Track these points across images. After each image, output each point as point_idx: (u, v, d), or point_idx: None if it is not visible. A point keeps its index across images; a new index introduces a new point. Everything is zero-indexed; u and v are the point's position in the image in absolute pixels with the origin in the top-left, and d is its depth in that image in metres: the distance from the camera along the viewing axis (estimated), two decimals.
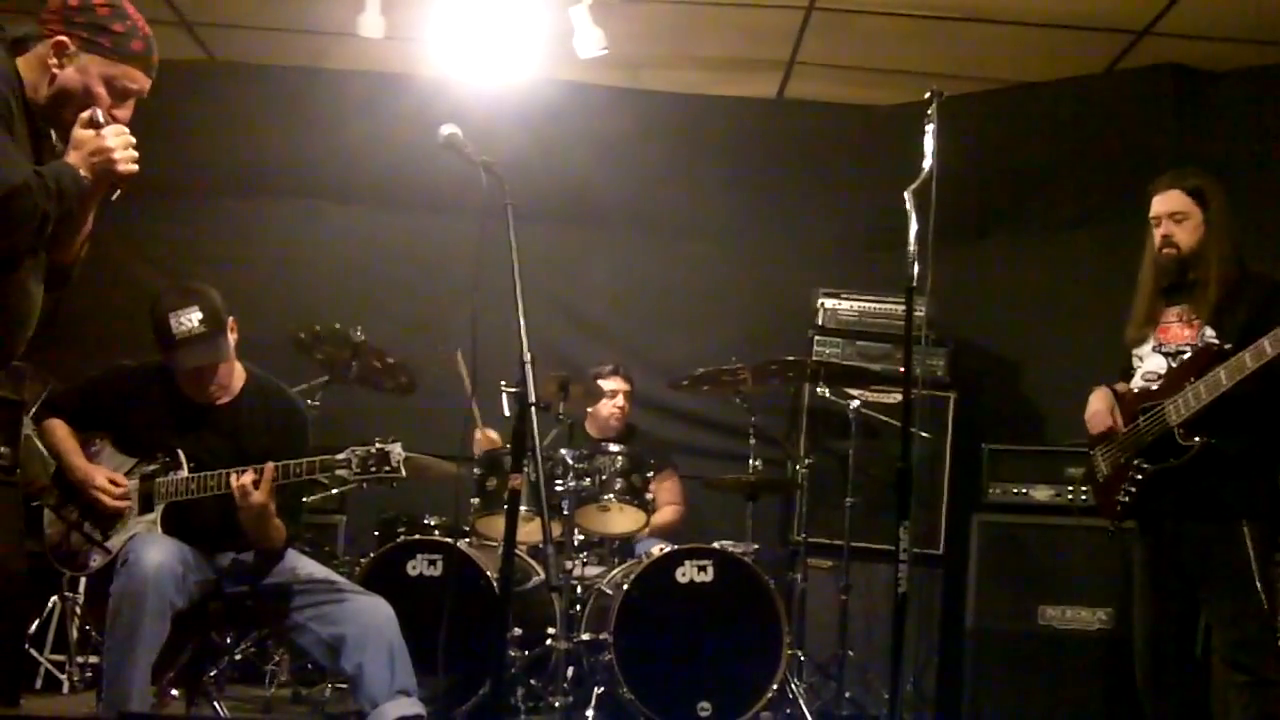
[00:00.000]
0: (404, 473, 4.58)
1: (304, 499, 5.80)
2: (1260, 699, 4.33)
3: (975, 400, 7.31)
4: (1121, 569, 6.10)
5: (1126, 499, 4.64)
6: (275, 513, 4.57)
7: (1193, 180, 4.67)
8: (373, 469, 4.54)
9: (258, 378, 4.85)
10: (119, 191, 3.46)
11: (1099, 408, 4.80)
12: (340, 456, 4.54)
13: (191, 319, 4.55)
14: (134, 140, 3.41)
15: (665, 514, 6.87)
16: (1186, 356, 4.54)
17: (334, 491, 6.62)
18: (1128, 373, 4.86)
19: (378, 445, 4.55)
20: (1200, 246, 4.59)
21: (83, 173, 3.33)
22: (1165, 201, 4.68)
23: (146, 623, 4.22)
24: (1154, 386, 4.61)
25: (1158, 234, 4.69)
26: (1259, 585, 4.33)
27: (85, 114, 3.37)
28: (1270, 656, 4.37)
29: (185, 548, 4.47)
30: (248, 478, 4.46)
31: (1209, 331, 4.50)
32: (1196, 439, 4.40)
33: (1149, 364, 4.68)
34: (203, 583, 4.52)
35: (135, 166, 3.41)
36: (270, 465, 4.49)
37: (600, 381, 6.94)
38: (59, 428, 4.69)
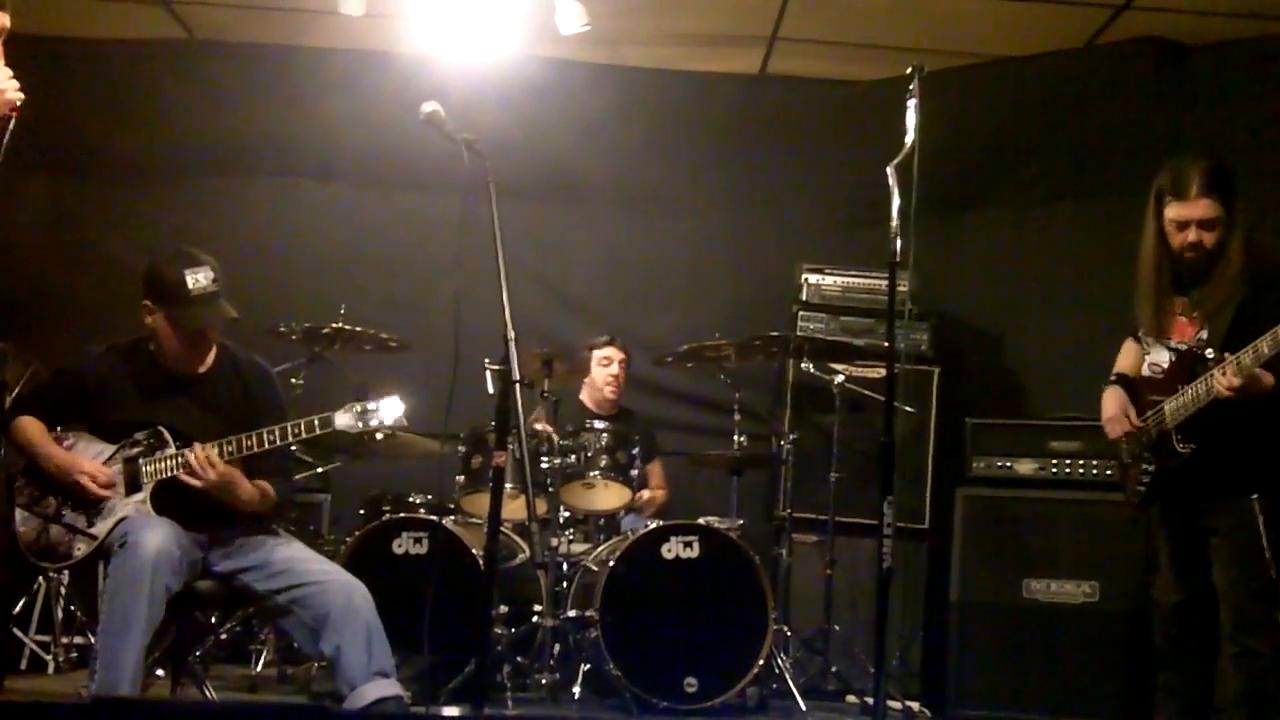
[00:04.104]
0: (405, 423, 4.66)
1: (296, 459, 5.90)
2: (1247, 670, 4.33)
3: (959, 374, 7.31)
4: (1109, 541, 6.16)
5: (1142, 489, 4.64)
6: (244, 479, 4.64)
7: (1221, 184, 4.49)
8: (373, 422, 4.59)
9: (226, 346, 4.88)
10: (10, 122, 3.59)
11: (1113, 413, 4.74)
12: (339, 413, 4.58)
13: (207, 276, 4.62)
14: (10, 72, 3.56)
15: (647, 495, 6.91)
16: (1177, 358, 4.52)
17: (319, 470, 6.62)
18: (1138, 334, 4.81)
19: (373, 399, 4.64)
20: (1222, 245, 4.48)
21: None
22: (1195, 209, 4.48)
23: (144, 606, 4.21)
24: (1159, 379, 4.60)
25: (1181, 237, 4.52)
26: (1268, 558, 4.30)
27: None
28: (1266, 631, 4.34)
29: (178, 529, 4.47)
30: (198, 455, 4.51)
31: (1204, 334, 4.48)
32: (1190, 446, 4.42)
33: (1155, 354, 4.64)
34: (192, 563, 4.51)
35: (20, 95, 3.55)
36: (279, 428, 4.58)
37: (595, 351, 6.99)
38: (31, 425, 4.63)
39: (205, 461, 4.51)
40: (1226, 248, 4.47)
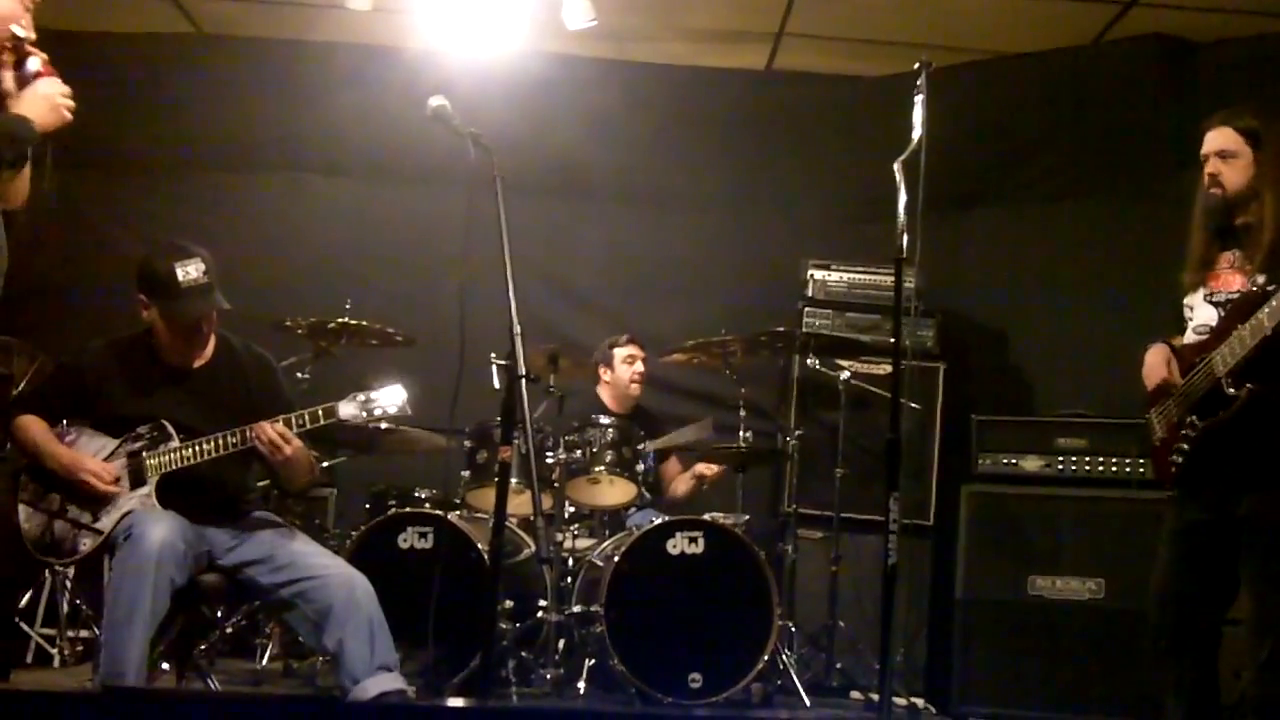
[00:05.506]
0: (409, 411, 4.65)
1: None
2: (1265, 677, 4.10)
3: (964, 371, 7.33)
4: (1115, 538, 6.15)
5: (1179, 459, 4.35)
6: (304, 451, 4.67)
7: (1247, 119, 4.36)
8: (376, 411, 4.59)
9: (225, 337, 4.88)
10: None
11: (1153, 360, 4.47)
12: (342, 402, 4.57)
13: (197, 269, 4.61)
14: (68, 89, 3.81)
15: (681, 484, 7.01)
16: (1233, 304, 4.28)
17: (324, 465, 6.63)
18: (1181, 324, 4.56)
19: (379, 388, 4.63)
20: (1249, 188, 4.30)
21: (33, 120, 3.68)
22: (1214, 138, 4.37)
23: (149, 598, 4.20)
24: (1206, 338, 4.33)
25: (1205, 172, 4.39)
26: None
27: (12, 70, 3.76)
28: None
29: (183, 522, 4.47)
30: (271, 433, 4.51)
31: (1260, 278, 4.21)
32: (1244, 388, 4.12)
33: (1200, 315, 4.41)
34: (197, 556, 4.51)
35: (70, 114, 3.79)
36: (284, 418, 4.56)
37: (618, 349, 6.99)
38: (33, 423, 4.64)
39: (278, 436, 4.52)
40: (1254, 196, 4.29)
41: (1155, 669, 4.48)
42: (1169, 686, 4.45)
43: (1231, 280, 4.35)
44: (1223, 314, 4.32)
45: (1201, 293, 4.43)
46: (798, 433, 6.77)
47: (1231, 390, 4.16)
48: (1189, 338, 4.45)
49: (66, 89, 3.77)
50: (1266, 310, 4.07)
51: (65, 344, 5.42)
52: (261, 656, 6.26)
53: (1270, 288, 4.12)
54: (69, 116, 3.77)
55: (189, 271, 4.58)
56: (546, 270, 7.80)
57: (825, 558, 6.66)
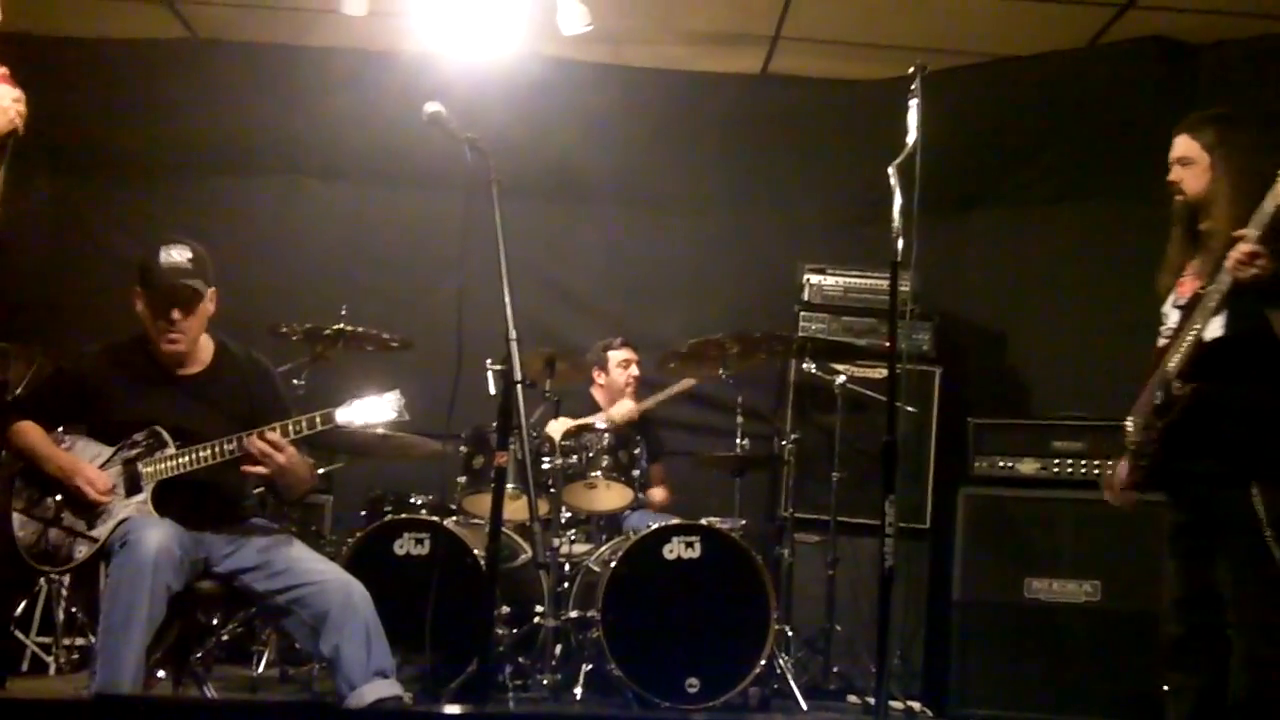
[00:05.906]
0: (406, 416, 4.62)
1: None
2: (1255, 676, 4.13)
3: (961, 374, 7.32)
4: (1112, 540, 6.14)
5: (1145, 463, 4.42)
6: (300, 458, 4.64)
7: (1204, 125, 4.43)
8: (373, 417, 4.59)
9: (225, 344, 4.87)
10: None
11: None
12: (340, 408, 4.57)
13: (181, 254, 4.63)
14: (20, 95, 3.80)
15: (656, 494, 7.02)
16: (1185, 307, 4.35)
17: (320, 471, 6.62)
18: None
19: (375, 394, 4.61)
20: (1207, 194, 4.37)
21: None
22: (1176, 145, 4.45)
23: (145, 605, 4.19)
24: (1169, 342, 4.40)
25: (1168, 179, 4.47)
26: (1275, 554, 4.08)
27: None
28: (1274, 634, 4.14)
29: (179, 529, 4.46)
30: (261, 443, 4.48)
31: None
32: (1187, 387, 4.20)
33: (1170, 321, 4.48)
34: (194, 563, 4.51)
35: (21, 117, 3.79)
36: (280, 425, 4.53)
37: (612, 353, 7.03)
38: (30, 429, 4.62)
39: (270, 445, 4.49)
40: (1210, 201, 4.35)
41: (1166, 670, 4.49)
42: (1173, 689, 4.46)
43: (1192, 286, 4.40)
44: (1181, 315, 4.38)
45: (1172, 298, 4.50)
46: (794, 436, 6.76)
47: (1177, 389, 4.24)
48: (1161, 343, 4.50)
49: (18, 94, 3.77)
50: (1199, 310, 4.17)
51: (63, 348, 5.42)
52: (258, 663, 6.24)
53: (1207, 290, 4.19)
54: (18, 121, 3.77)
55: (172, 254, 4.62)
56: (544, 274, 7.81)
57: (822, 561, 6.65)
